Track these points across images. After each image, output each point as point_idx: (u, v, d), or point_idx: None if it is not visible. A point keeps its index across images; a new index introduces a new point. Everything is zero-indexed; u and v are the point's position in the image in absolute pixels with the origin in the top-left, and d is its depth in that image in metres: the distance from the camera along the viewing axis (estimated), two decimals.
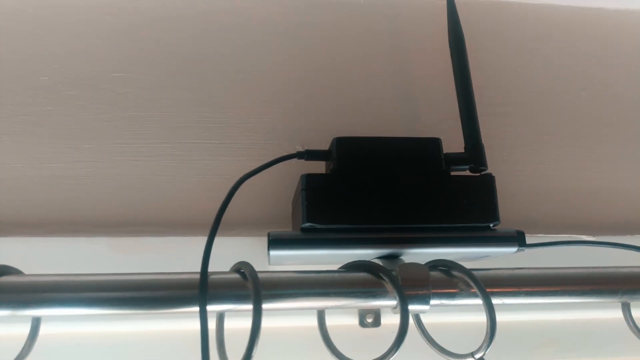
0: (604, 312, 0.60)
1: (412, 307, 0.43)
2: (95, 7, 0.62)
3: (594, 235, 0.62)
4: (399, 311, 0.42)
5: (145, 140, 0.59)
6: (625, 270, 0.47)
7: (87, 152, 0.57)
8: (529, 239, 0.52)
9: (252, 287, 0.38)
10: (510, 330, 0.58)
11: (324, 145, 0.51)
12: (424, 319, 0.49)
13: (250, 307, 0.38)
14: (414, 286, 0.43)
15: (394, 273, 0.43)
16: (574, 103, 0.69)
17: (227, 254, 0.46)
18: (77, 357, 0.51)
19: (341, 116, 0.62)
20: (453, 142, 0.52)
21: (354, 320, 0.57)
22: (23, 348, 0.39)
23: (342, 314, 0.56)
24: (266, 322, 0.53)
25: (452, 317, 0.57)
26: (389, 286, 0.42)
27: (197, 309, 0.38)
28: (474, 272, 0.43)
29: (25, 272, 0.40)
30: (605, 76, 0.71)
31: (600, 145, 0.68)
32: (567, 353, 0.60)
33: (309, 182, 0.46)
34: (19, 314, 0.37)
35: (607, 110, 0.69)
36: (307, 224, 0.45)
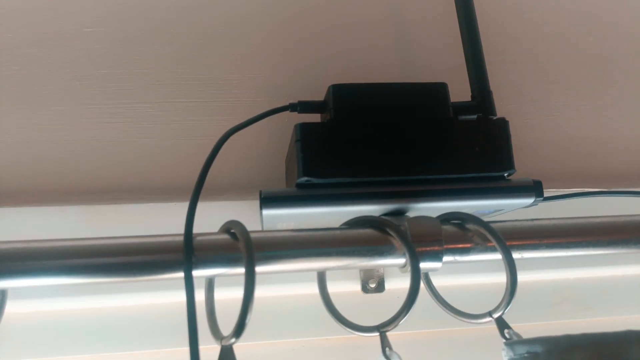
0: (618, 269, 0.57)
1: (422, 265, 0.38)
2: None
3: (608, 187, 0.58)
4: (408, 270, 0.37)
5: (120, 100, 0.53)
6: None
7: (57, 116, 0.52)
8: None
9: (244, 248, 0.34)
10: (522, 290, 0.54)
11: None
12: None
13: (242, 270, 0.34)
14: (425, 242, 0.38)
15: (402, 228, 0.38)
16: (581, 48, 0.64)
17: (217, 219, 0.42)
18: (61, 334, 0.48)
19: (336, 66, 0.57)
20: (459, 92, 0.48)
21: (357, 286, 0.52)
22: None
23: (344, 280, 0.52)
24: (265, 291, 0.49)
25: (460, 279, 0.53)
26: (397, 242, 0.38)
27: (182, 274, 0.33)
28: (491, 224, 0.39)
29: None
30: (613, 19, 0.66)
31: (610, 91, 0.63)
32: (581, 312, 0.57)
33: (305, 132, 0.42)
34: None
35: (615, 55, 0.65)
36: (304, 179, 0.41)
